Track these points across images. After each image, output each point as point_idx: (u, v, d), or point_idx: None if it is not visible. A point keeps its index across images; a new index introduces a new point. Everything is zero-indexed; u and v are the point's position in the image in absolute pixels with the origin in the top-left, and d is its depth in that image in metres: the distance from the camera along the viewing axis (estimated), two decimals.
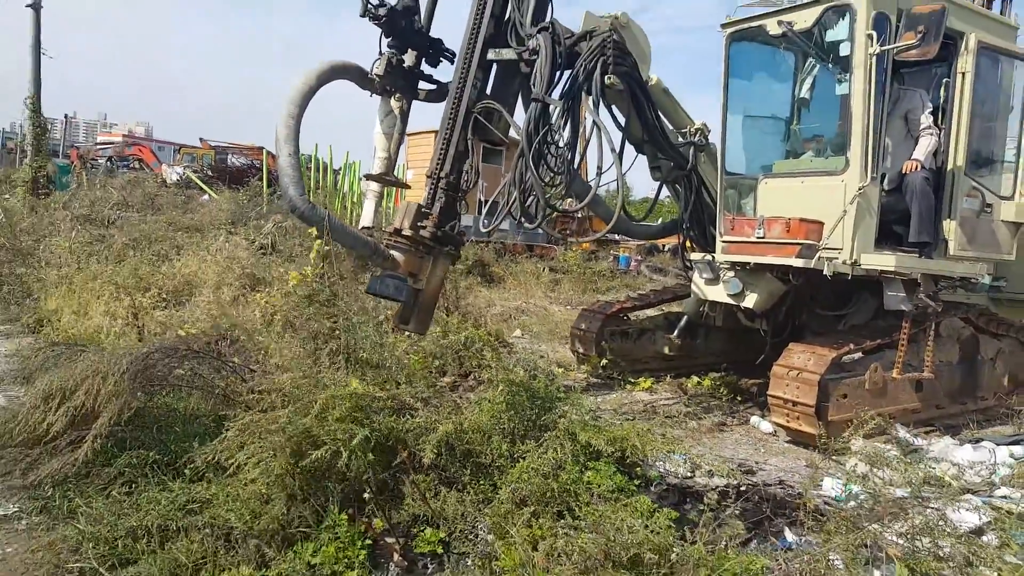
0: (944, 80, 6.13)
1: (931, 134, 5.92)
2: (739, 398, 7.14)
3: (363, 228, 6.18)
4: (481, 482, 4.16)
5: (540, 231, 20.78)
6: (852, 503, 4.77)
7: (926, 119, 5.95)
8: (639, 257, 20.95)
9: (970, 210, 6.09)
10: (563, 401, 4.77)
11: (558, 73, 5.62)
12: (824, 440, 5.54)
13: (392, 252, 5.65)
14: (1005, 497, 4.83)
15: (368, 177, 6.41)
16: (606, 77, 5.63)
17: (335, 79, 5.87)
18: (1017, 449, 5.52)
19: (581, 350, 7.69)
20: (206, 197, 19.70)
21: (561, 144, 5.60)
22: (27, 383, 5.69)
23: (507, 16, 5.77)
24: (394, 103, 6.16)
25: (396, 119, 6.21)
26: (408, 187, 7.81)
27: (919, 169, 5.85)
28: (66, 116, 41.81)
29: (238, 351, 5.82)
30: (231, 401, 4.95)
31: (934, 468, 5.30)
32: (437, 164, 5.72)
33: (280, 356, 5.64)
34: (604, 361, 7.48)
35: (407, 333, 6.28)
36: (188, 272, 10.45)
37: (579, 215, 22.86)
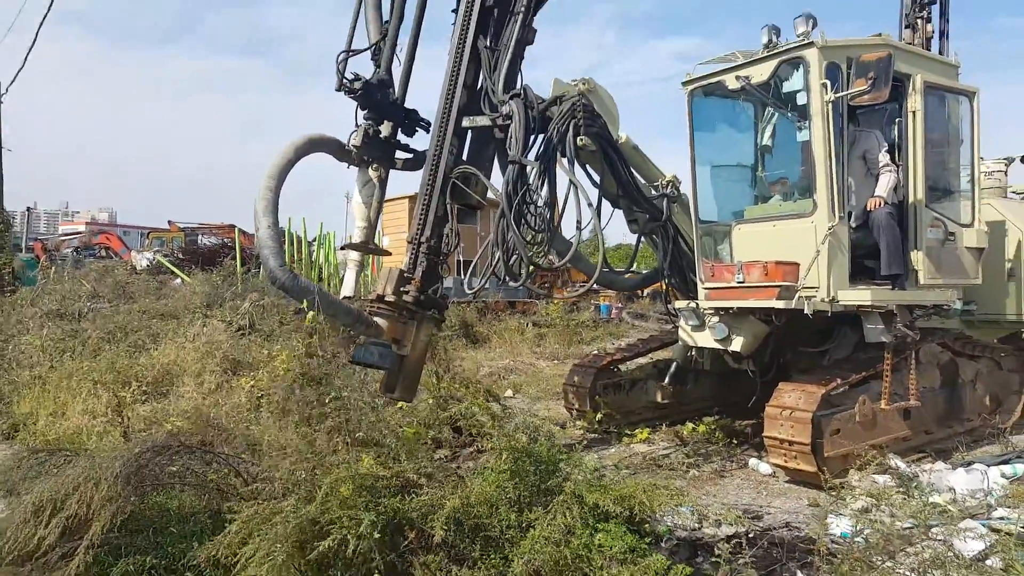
0: (896, 119, 6.41)
1: (890, 171, 6.17)
2: (735, 441, 7.21)
3: (344, 298, 6.20)
4: (492, 556, 4.15)
5: (522, 288, 20.98)
6: (860, 540, 4.85)
7: (884, 157, 6.21)
8: (619, 304, 21.17)
9: (935, 240, 6.33)
10: (566, 462, 4.81)
11: (532, 136, 5.79)
12: (824, 477, 5.64)
13: (375, 319, 5.63)
14: (1003, 518, 4.93)
15: (347, 247, 6.46)
16: (578, 138, 5.83)
17: (313, 152, 5.96)
18: (1007, 468, 5.64)
19: (576, 406, 7.74)
20: (178, 281, 19.59)
21: (540, 203, 5.73)
22: (10, 495, 5.55)
23: (479, 85, 5.96)
24: (372, 173, 6.26)
25: (374, 188, 6.30)
26: (388, 254, 7.88)
27: (883, 205, 6.09)
28: (28, 209, 41.46)
29: (227, 440, 5.79)
30: (226, 495, 4.90)
31: (933, 497, 5.40)
32: (418, 229, 5.79)
33: (274, 442, 5.65)
34: (599, 415, 7.52)
35: (398, 404, 6.29)
36: (167, 361, 10.31)
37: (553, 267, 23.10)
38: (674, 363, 7.77)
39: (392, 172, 6.45)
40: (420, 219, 5.78)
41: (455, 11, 5.88)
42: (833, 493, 5.69)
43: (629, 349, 8.48)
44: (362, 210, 6.39)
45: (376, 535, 3.90)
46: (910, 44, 9.62)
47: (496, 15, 5.78)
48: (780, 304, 5.63)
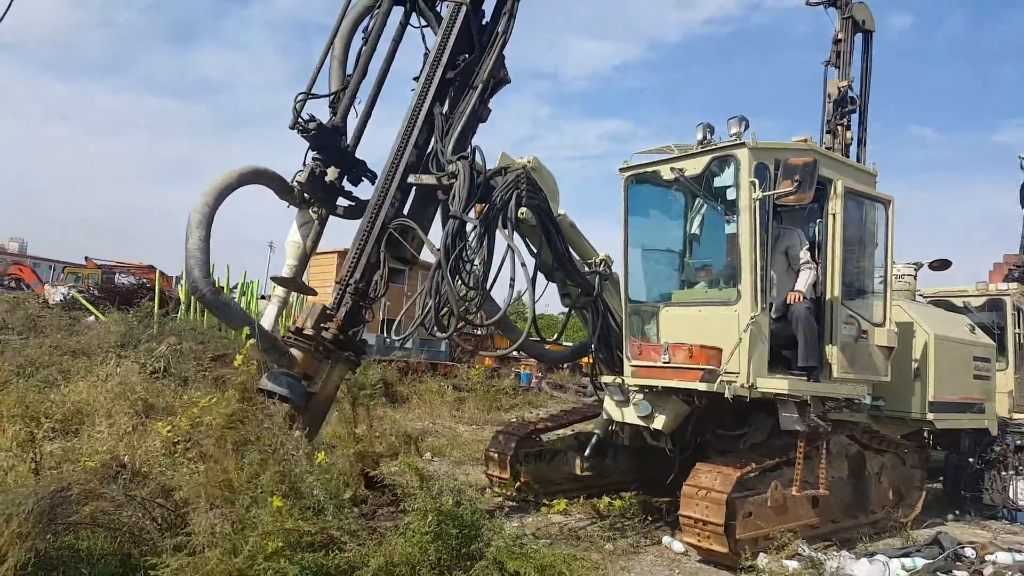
0: (817, 219, 6.86)
1: (810, 268, 6.57)
2: (649, 518, 7.32)
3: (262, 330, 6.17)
4: None
5: (442, 350, 20.91)
6: None
7: (804, 254, 6.60)
8: (539, 374, 21.31)
9: (849, 336, 6.71)
10: (487, 528, 4.85)
11: (474, 198, 5.96)
12: (737, 559, 5.80)
13: (291, 350, 5.59)
14: None
15: (275, 280, 6.42)
16: (520, 210, 6.04)
17: (256, 182, 5.96)
18: (907, 561, 5.90)
19: (496, 473, 7.75)
20: (92, 318, 18.85)
21: (476, 262, 5.86)
22: None
23: (429, 149, 6.14)
24: (312, 213, 6.29)
25: (310, 229, 6.33)
26: (314, 293, 7.85)
27: (802, 300, 6.45)
28: None
29: (142, 483, 5.61)
30: (138, 540, 4.76)
31: None
32: (348, 271, 5.83)
33: (194, 487, 5.51)
34: (518, 483, 7.55)
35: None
36: (78, 399, 9.93)
37: (482, 332, 23.22)
38: (595, 436, 7.88)
39: (330, 221, 6.50)
40: (352, 262, 5.84)
41: (416, 78, 6.10)
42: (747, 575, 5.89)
43: (551, 419, 8.60)
44: (295, 248, 6.39)
45: None
46: (830, 149, 10.31)
47: (456, 86, 6.01)
48: (703, 387, 5.85)
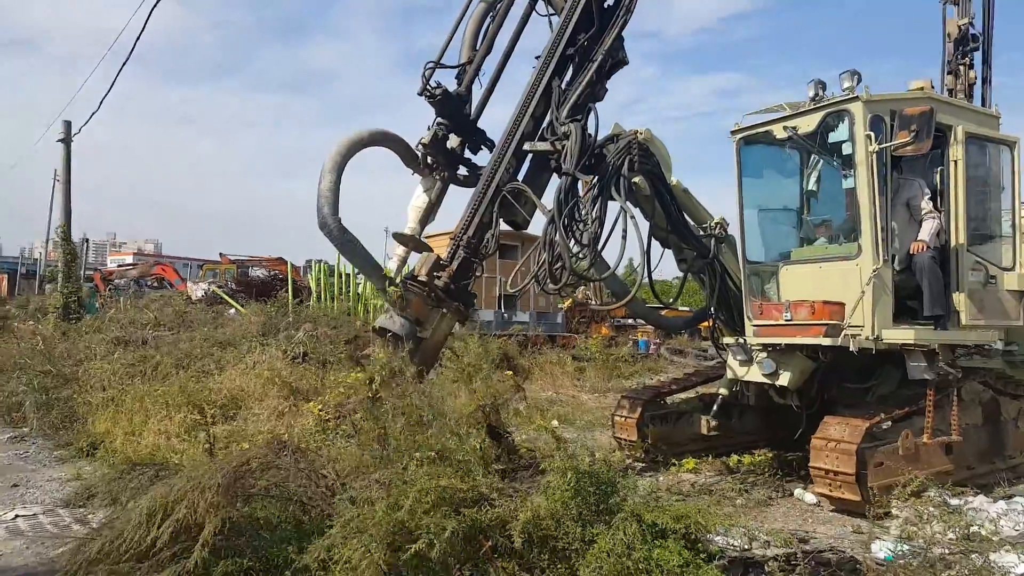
0: (939, 167, 6.75)
1: (933, 217, 6.50)
2: (779, 473, 7.47)
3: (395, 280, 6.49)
4: (559, 566, 4.52)
5: (558, 322, 21.27)
6: (902, 562, 5.13)
7: (927, 204, 6.53)
8: (658, 340, 21.41)
9: (976, 282, 6.62)
10: (622, 485, 5.18)
11: (584, 157, 6.11)
12: (868, 506, 5.91)
13: (406, 294, 5.89)
14: None
15: (396, 236, 6.71)
16: (633, 178, 6.22)
17: (382, 144, 6.29)
18: None
19: (624, 436, 8.06)
20: (233, 311, 20.32)
21: (589, 221, 6.04)
22: (114, 503, 6.03)
23: (546, 122, 6.38)
24: (430, 183, 6.58)
25: (432, 194, 6.63)
26: (431, 250, 8.20)
27: (926, 249, 6.40)
28: (84, 239, 42.91)
29: (303, 458, 6.23)
30: (306, 507, 5.33)
31: (973, 527, 5.65)
32: (463, 228, 6.09)
33: (350, 460, 6.11)
34: (645, 445, 7.84)
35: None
36: (233, 387, 10.88)
37: (593, 303, 23.51)
38: (719, 397, 8.08)
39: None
40: (467, 220, 6.09)
41: (538, 57, 6.35)
42: (876, 521, 5.99)
43: (676, 382, 8.81)
44: (416, 212, 6.63)
45: (457, 541, 4.31)
46: (952, 91, 9.93)
47: (576, 63, 6.24)
48: (827, 342, 5.97)
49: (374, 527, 4.24)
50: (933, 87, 7.09)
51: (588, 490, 4.97)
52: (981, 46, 10.70)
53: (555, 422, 11.17)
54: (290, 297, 19.70)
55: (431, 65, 6.24)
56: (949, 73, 10.85)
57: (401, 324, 5.71)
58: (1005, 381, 7.21)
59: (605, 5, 6.25)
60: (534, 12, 6.60)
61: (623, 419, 8.10)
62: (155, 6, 10.39)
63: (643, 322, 24.37)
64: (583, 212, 6.05)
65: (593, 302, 26.46)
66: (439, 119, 6.39)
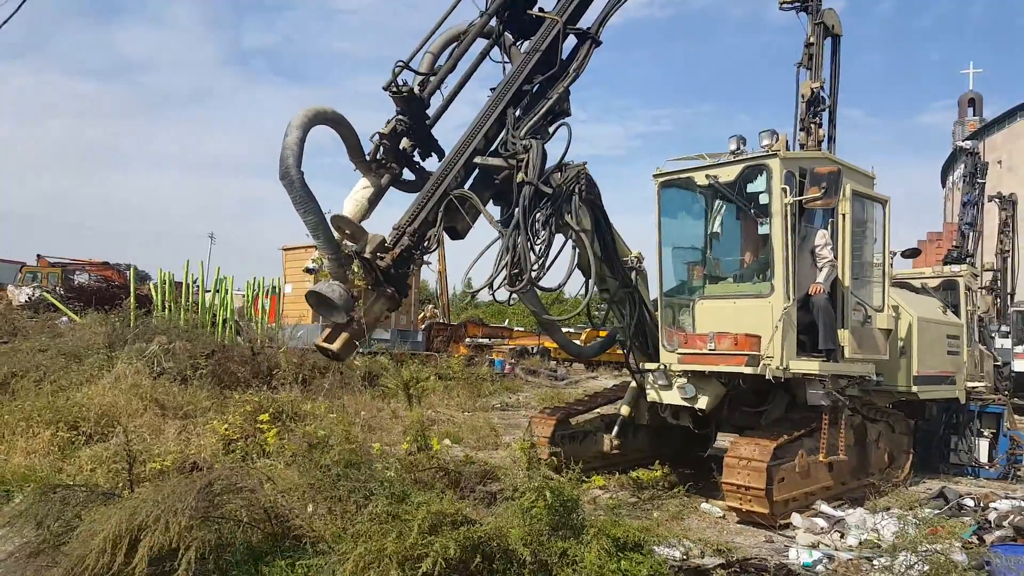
0: (829, 219, 7.74)
1: (832, 264, 7.44)
2: (679, 487, 8.13)
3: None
4: None
5: (418, 340, 21.34)
6: (820, 568, 5.88)
7: (828, 252, 7.45)
8: (512, 361, 22.06)
9: (857, 321, 7.65)
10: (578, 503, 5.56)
11: (545, 171, 6.31)
12: (773, 518, 6.68)
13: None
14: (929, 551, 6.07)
15: (335, 219, 6.34)
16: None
17: (338, 127, 5.98)
18: (920, 512, 6.85)
19: (536, 454, 8.41)
20: (65, 319, 18.69)
21: (542, 236, 6.22)
22: (39, 527, 5.60)
23: (497, 140, 6.57)
24: (373, 180, 6.51)
25: (371, 194, 6.54)
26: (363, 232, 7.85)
27: (822, 291, 7.32)
28: None
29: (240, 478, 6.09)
30: (275, 535, 5.26)
31: (863, 536, 6.56)
32: (408, 219, 6.07)
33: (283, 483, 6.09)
34: (557, 463, 8.24)
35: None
36: (103, 402, 10.20)
37: (449, 323, 23.85)
38: (620, 417, 8.68)
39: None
40: (412, 214, 6.08)
41: (493, 89, 6.59)
42: (782, 532, 6.77)
43: (580, 404, 9.33)
44: (354, 205, 6.43)
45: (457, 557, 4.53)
46: (804, 146, 11.25)
47: (531, 96, 6.53)
48: (748, 370, 6.68)
49: (388, 556, 4.36)
50: (788, 142, 8.11)
51: (556, 507, 5.32)
52: (828, 107, 12.16)
53: (446, 440, 11.37)
54: (133, 306, 18.44)
55: (401, 64, 6.30)
56: (802, 130, 12.26)
57: (340, 294, 5.63)
58: (870, 408, 8.32)
59: (563, 57, 6.64)
60: (488, 58, 6.85)
61: (538, 437, 8.48)
62: None
63: (495, 342, 25.10)
64: (538, 226, 6.25)
65: (440, 319, 26.80)
66: (399, 116, 6.39)
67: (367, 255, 5.83)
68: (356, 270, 5.91)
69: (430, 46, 6.47)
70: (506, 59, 6.76)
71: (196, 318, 19.13)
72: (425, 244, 6.22)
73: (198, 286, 21.08)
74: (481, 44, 6.77)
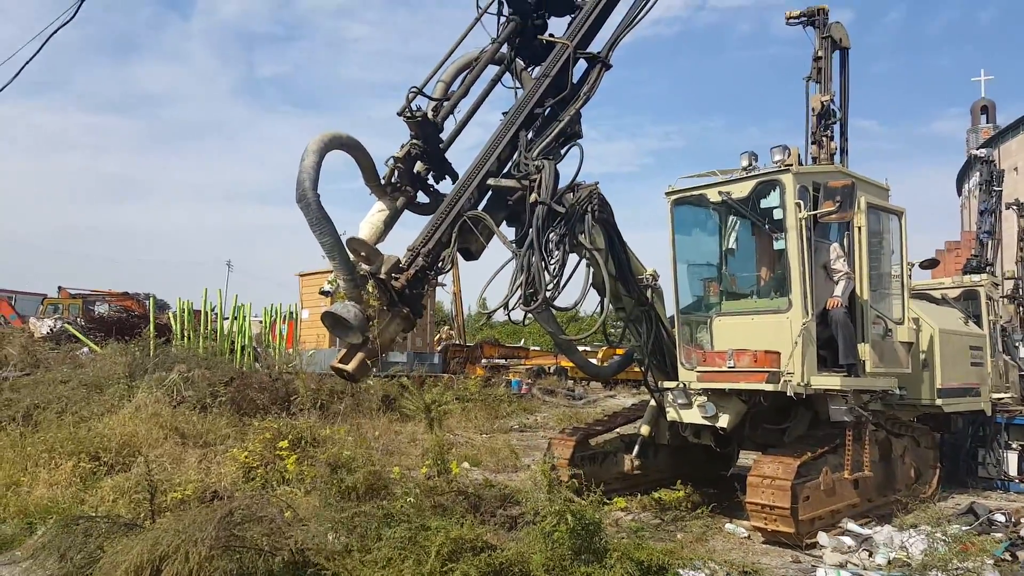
0: (845, 232, 7.68)
1: (848, 277, 7.37)
2: (702, 507, 8.03)
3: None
4: None
5: (435, 362, 21.34)
6: None
7: (843, 265, 7.39)
8: (529, 381, 21.98)
9: (877, 335, 7.56)
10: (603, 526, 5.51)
11: (558, 191, 6.33)
12: (799, 538, 6.57)
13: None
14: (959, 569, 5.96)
15: (351, 242, 6.16)
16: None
17: (354, 152, 6.00)
18: (950, 529, 6.73)
19: (557, 476, 8.35)
20: (86, 350, 18.85)
21: (555, 258, 6.23)
22: (62, 560, 5.62)
23: (509, 162, 6.60)
24: (388, 203, 6.54)
25: (386, 217, 6.42)
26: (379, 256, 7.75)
27: (840, 305, 7.25)
28: None
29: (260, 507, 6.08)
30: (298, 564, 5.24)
31: (892, 554, 6.44)
32: (422, 240, 6.09)
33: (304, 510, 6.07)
34: (577, 484, 8.17)
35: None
36: (124, 432, 10.27)
37: (464, 343, 23.85)
38: (640, 437, 8.61)
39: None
40: (426, 235, 6.11)
41: (505, 113, 6.63)
42: (808, 552, 6.66)
43: (600, 424, 9.26)
44: (370, 228, 6.45)
45: None
46: (816, 160, 11.18)
47: (543, 119, 6.57)
48: (768, 387, 6.62)
49: None
50: (800, 156, 8.07)
51: (578, 531, 5.26)
52: (839, 120, 12.10)
53: (466, 464, 11.31)
54: (152, 335, 18.60)
55: (415, 90, 6.36)
56: (813, 143, 12.21)
57: (355, 315, 5.63)
58: (894, 422, 8.21)
59: (574, 81, 6.67)
60: (500, 83, 6.91)
61: (555, 460, 8.41)
62: None
63: (512, 362, 25.05)
64: (551, 247, 6.25)
65: (456, 341, 26.79)
66: (413, 140, 6.45)
67: (382, 276, 5.85)
68: (371, 290, 5.96)
69: (442, 74, 6.54)
70: (518, 85, 6.81)
71: (215, 346, 19.27)
72: (440, 265, 6.25)
73: (216, 314, 21.29)
74: (494, 69, 6.83)
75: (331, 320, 5.72)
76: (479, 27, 6.72)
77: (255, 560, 5.20)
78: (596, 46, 6.80)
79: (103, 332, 19.93)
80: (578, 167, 6.32)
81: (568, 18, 6.87)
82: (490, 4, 6.63)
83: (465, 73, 6.64)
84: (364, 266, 5.99)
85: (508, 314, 6.42)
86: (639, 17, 6.82)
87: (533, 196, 6.20)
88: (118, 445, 9.75)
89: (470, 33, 6.64)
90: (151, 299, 21.18)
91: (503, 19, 6.67)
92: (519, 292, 6.09)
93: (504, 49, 6.74)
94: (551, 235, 6.25)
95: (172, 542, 4.78)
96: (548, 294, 6.06)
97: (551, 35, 6.75)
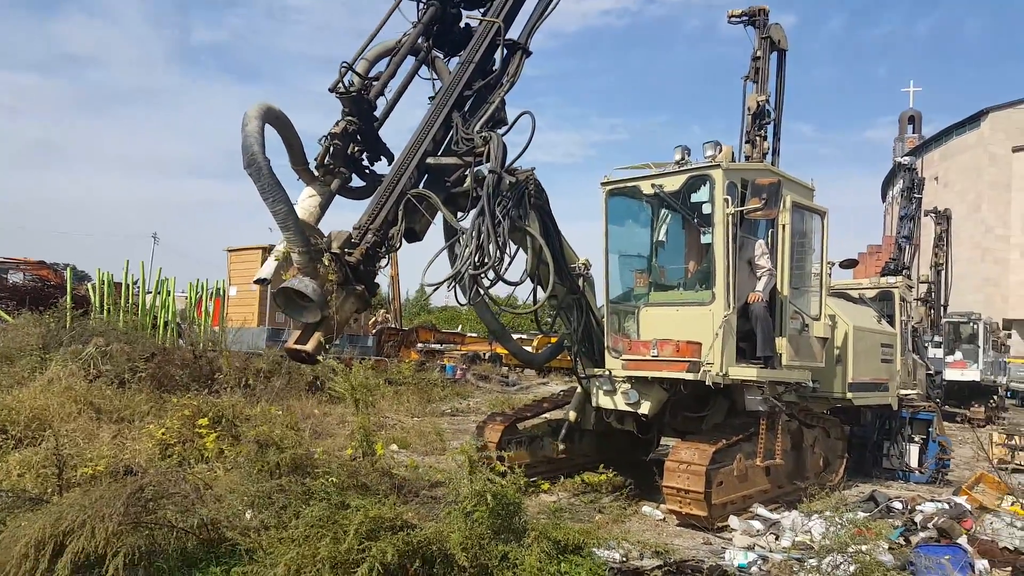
0: (769, 229, 7.93)
1: (770, 273, 7.62)
2: (621, 491, 8.22)
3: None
4: None
5: (368, 345, 21.17)
6: (755, 569, 6.01)
7: (766, 262, 7.64)
8: (464, 366, 22.02)
9: (794, 329, 7.85)
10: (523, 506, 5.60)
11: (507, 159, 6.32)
12: (711, 521, 6.81)
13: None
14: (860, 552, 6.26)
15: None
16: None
17: (284, 130, 5.92)
18: (849, 515, 7.06)
19: (484, 457, 8.43)
20: None
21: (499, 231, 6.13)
22: None
23: (444, 143, 6.55)
24: (318, 188, 6.20)
25: (316, 203, 6.23)
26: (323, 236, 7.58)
27: (761, 300, 7.50)
28: None
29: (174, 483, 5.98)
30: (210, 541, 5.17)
31: (798, 537, 6.73)
32: (369, 217, 5.95)
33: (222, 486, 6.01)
34: (504, 468, 8.28)
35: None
36: (35, 405, 9.91)
37: (400, 327, 23.74)
38: (567, 423, 8.76)
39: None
40: (372, 213, 5.97)
41: (432, 98, 6.61)
42: (719, 535, 6.91)
43: (528, 409, 9.37)
44: (302, 213, 6.18)
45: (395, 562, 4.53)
46: (750, 158, 11.49)
47: (473, 100, 6.57)
48: (689, 376, 6.81)
49: (321, 561, 4.33)
50: (733, 154, 8.30)
51: (498, 511, 5.34)
52: (773, 121, 12.42)
53: (394, 446, 11.30)
54: (69, 307, 17.95)
55: (346, 65, 6.25)
56: (747, 142, 12.52)
57: (314, 290, 5.44)
58: (806, 414, 8.55)
59: (498, 62, 6.71)
60: (417, 75, 6.88)
61: (484, 443, 8.48)
62: None
63: (447, 347, 25.03)
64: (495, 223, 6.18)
65: (392, 324, 26.63)
66: (348, 117, 6.29)
67: (335, 250, 5.72)
68: (328, 263, 5.77)
69: (366, 53, 6.47)
70: (435, 76, 6.82)
71: (136, 320, 18.71)
72: (390, 242, 6.12)
73: (139, 287, 20.64)
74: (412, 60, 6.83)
75: (285, 298, 5.56)
76: (404, 12, 6.68)
77: (167, 536, 5.12)
78: (514, 35, 6.87)
79: (16, 302, 19.15)
80: (530, 136, 6.39)
81: (479, 12, 6.87)
82: None
83: (389, 58, 6.61)
84: (314, 240, 5.79)
85: (454, 289, 6.22)
86: (554, 3, 6.95)
87: (482, 167, 6.17)
88: (27, 419, 9.40)
89: (394, 17, 6.59)
90: (69, 269, 20.38)
91: (422, 4, 6.64)
92: (471, 261, 5.95)
93: (420, 41, 6.69)
94: (497, 208, 6.19)
95: (77, 517, 4.65)
96: (496, 264, 6.01)
97: (480, 17, 6.76)
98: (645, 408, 7.39)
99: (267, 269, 6.25)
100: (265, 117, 5.62)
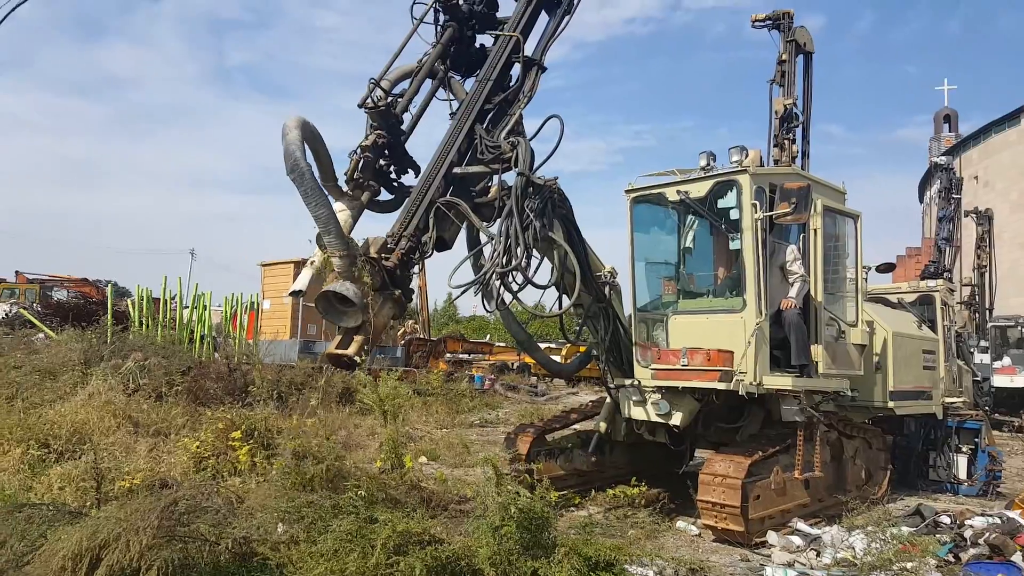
0: (800, 234, 7.76)
1: (803, 279, 7.44)
2: (656, 505, 8.07)
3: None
4: None
5: (398, 356, 21.24)
6: None
7: (799, 268, 7.46)
8: (492, 376, 21.95)
9: (830, 336, 7.65)
10: (552, 519, 5.50)
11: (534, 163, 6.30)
12: (748, 536, 6.63)
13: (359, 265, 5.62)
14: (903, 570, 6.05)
15: (318, 242, 6.04)
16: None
17: (316, 144, 5.89)
18: (894, 530, 6.83)
19: (515, 470, 8.34)
20: (42, 336, 18.47)
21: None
22: (1, 547, 5.50)
23: (468, 155, 6.54)
24: (347, 203, 6.22)
25: (347, 216, 6.15)
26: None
27: (794, 307, 7.32)
28: None
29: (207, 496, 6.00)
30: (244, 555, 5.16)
31: (839, 554, 6.52)
32: (402, 224, 6.00)
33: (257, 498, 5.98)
34: (533, 481, 8.18)
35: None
36: (75, 420, 10.09)
37: (428, 338, 23.78)
38: (596, 434, 8.63)
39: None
40: (404, 221, 6.02)
41: (453, 115, 6.61)
42: (757, 551, 6.73)
43: (557, 420, 9.26)
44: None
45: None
46: (778, 162, 11.30)
47: (494, 114, 6.56)
48: (721, 386, 6.66)
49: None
50: (762, 158, 8.14)
51: (526, 525, 5.25)
52: (802, 124, 12.21)
53: (422, 458, 11.26)
54: (109, 323, 18.27)
55: (374, 81, 6.31)
56: (775, 146, 12.32)
57: (355, 293, 5.38)
58: (846, 424, 8.32)
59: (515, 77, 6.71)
60: (435, 97, 6.89)
61: (512, 455, 8.40)
62: None
63: (475, 357, 24.98)
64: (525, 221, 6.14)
65: (420, 335, 26.66)
66: (377, 130, 6.34)
67: (372, 255, 5.75)
68: (364, 267, 5.72)
69: (389, 75, 6.52)
70: (452, 96, 6.84)
71: (174, 334, 19.01)
72: (423, 249, 6.16)
73: (176, 302, 20.98)
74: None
75: (325, 303, 5.53)
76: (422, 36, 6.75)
77: (200, 550, 5.12)
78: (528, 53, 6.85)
79: (60, 318, 19.56)
80: (558, 140, 6.31)
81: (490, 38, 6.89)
82: (425, 14, 6.61)
83: (410, 80, 6.66)
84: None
85: (483, 293, 6.27)
86: (566, 20, 6.93)
87: (510, 173, 6.18)
88: (68, 432, 9.59)
89: (415, 37, 6.66)
90: (110, 286, 20.79)
91: (439, 28, 6.68)
92: (500, 262, 5.98)
93: (437, 64, 6.69)
94: (526, 208, 6.14)
95: (113, 530, 4.69)
96: (523, 266, 6.02)
97: (496, 33, 6.79)
98: (676, 419, 7.25)
99: (302, 281, 6.34)
100: (304, 128, 5.69)
